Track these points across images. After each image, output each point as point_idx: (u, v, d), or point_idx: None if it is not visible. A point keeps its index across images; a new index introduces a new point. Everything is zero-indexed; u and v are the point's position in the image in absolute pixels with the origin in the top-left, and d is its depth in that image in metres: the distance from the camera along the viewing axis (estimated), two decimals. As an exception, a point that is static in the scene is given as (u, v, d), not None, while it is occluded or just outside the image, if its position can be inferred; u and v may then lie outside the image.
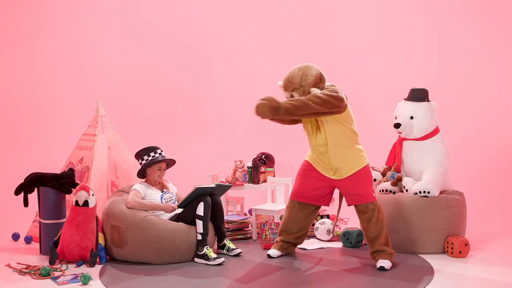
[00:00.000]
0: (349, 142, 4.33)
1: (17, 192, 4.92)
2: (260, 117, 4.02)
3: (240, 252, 4.71)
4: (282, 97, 4.27)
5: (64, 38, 7.54)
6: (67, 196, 4.89)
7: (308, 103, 4.03)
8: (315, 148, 4.39)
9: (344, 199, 4.56)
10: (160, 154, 4.80)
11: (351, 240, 4.99)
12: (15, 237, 5.27)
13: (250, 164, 5.60)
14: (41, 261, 4.54)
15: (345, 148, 4.32)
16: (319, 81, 4.21)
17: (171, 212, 4.66)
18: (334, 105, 4.08)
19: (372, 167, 4.76)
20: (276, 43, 7.50)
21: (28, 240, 5.15)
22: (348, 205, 4.50)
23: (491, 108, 7.18)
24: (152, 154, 4.77)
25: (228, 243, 4.74)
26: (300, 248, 4.89)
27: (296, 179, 4.65)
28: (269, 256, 4.66)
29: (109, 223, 4.58)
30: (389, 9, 7.42)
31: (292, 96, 4.23)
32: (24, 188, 4.89)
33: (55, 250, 4.42)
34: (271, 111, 3.98)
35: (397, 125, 4.92)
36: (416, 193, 4.74)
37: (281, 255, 4.69)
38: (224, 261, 4.45)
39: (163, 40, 7.56)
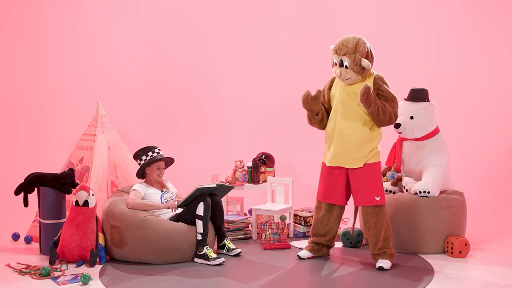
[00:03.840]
0: (371, 132, 4.30)
1: (17, 192, 4.92)
2: (362, 99, 4.08)
3: (240, 252, 4.70)
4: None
5: (64, 38, 7.54)
6: (67, 196, 4.89)
7: (392, 114, 4.20)
8: (337, 127, 4.33)
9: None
10: (158, 153, 4.80)
11: (351, 240, 4.98)
12: (15, 237, 5.27)
13: (250, 164, 5.60)
14: (41, 261, 4.54)
15: (365, 132, 4.28)
16: (370, 56, 4.24)
17: (175, 207, 4.65)
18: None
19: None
20: (276, 43, 7.50)
21: (28, 240, 5.15)
22: (355, 205, 4.48)
23: (491, 108, 7.19)
24: (150, 153, 4.78)
25: (228, 243, 4.74)
26: (300, 248, 4.88)
27: (319, 180, 4.57)
28: (299, 257, 4.58)
29: (109, 223, 4.58)
30: (388, 9, 7.42)
31: (341, 61, 4.20)
32: (24, 188, 4.88)
33: (55, 250, 4.42)
34: (369, 101, 4.09)
35: (397, 125, 4.92)
36: (416, 193, 4.74)
37: (313, 257, 4.60)
38: (224, 261, 4.45)
39: (163, 40, 7.56)
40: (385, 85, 4.30)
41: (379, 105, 4.16)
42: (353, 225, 4.77)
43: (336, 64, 4.26)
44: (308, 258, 4.58)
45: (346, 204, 4.54)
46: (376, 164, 4.35)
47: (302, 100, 4.28)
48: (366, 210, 4.33)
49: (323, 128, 4.48)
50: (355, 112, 4.28)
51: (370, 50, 4.27)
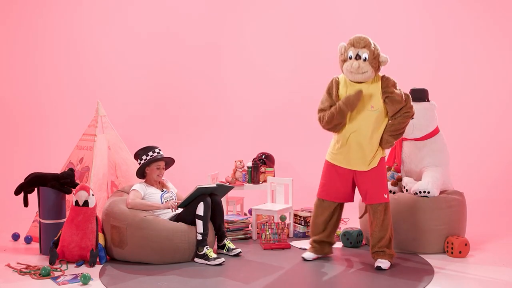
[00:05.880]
0: (381, 134, 4.30)
1: (17, 192, 4.92)
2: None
3: (240, 252, 4.70)
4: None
5: (64, 38, 7.54)
6: (67, 196, 4.89)
7: (408, 120, 4.24)
8: (352, 132, 4.24)
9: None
10: (158, 153, 4.80)
11: (351, 240, 4.98)
12: (15, 237, 5.27)
13: (250, 164, 5.60)
14: (41, 261, 4.54)
15: (378, 137, 4.27)
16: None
17: (174, 207, 4.65)
18: None
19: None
20: (276, 43, 7.51)
21: (28, 240, 5.15)
22: (363, 202, 4.46)
23: (491, 108, 7.19)
24: (150, 153, 4.78)
25: (228, 243, 4.74)
26: (300, 248, 4.89)
27: (321, 178, 4.51)
28: (304, 259, 4.52)
29: (109, 223, 4.58)
30: (388, 9, 7.42)
31: (358, 55, 4.09)
32: (24, 188, 4.88)
33: (55, 250, 4.42)
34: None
35: (397, 125, 4.91)
36: (416, 193, 4.74)
37: (318, 258, 4.54)
38: (224, 261, 4.45)
39: (163, 40, 7.56)
40: (393, 87, 4.19)
41: (395, 131, 4.21)
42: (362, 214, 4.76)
43: (351, 58, 4.14)
44: (313, 260, 4.53)
45: (353, 201, 4.53)
46: (382, 160, 4.33)
47: (356, 98, 4.10)
48: (376, 207, 4.32)
49: (339, 131, 4.32)
50: (367, 117, 4.19)
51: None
